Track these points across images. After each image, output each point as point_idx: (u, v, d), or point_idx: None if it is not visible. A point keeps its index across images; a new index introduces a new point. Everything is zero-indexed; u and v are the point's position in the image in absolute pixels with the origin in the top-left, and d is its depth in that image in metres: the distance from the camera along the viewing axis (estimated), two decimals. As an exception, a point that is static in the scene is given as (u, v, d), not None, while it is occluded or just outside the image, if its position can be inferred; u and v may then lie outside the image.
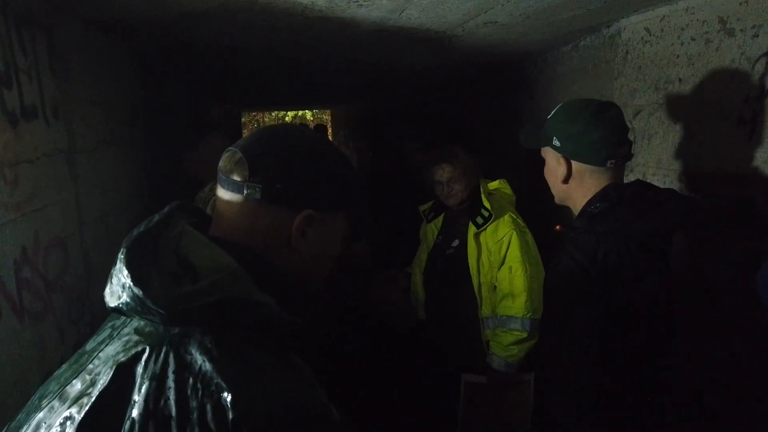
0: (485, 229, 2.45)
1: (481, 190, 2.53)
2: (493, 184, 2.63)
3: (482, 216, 2.47)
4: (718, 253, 1.19)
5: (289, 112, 14.39)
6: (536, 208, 2.46)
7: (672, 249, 1.28)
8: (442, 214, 2.74)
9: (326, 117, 15.15)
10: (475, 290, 2.52)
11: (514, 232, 2.41)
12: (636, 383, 1.25)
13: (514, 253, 2.40)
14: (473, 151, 2.72)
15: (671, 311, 1.27)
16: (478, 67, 3.74)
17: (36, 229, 1.57)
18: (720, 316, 1.25)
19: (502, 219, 2.45)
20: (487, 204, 2.46)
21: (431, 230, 2.77)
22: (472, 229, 2.49)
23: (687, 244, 1.21)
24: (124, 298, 0.71)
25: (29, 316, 1.48)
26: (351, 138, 11.25)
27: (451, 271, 2.61)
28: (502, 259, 2.43)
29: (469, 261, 2.51)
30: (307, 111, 14.89)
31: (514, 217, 2.48)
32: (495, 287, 2.48)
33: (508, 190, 2.64)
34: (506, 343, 2.38)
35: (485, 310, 2.51)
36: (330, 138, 12.96)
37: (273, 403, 0.67)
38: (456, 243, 2.63)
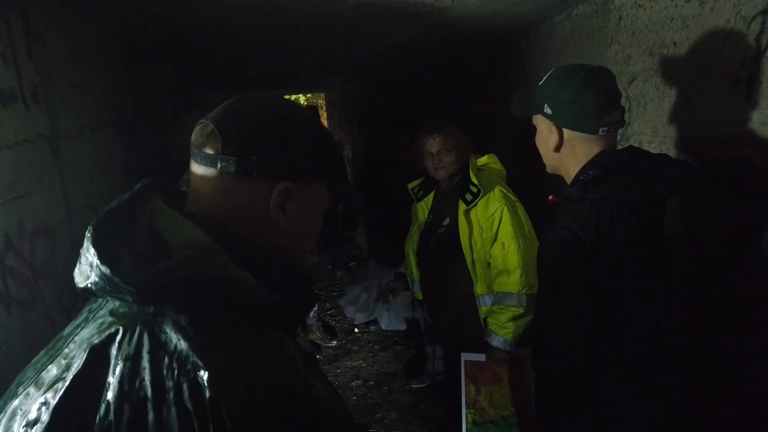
0: (475, 205, 2.42)
1: (470, 166, 2.50)
2: (482, 160, 2.60)
3: (471, 192, 2.43)
4: (714, 216, 1.16)
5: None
6: (531, 181, 2.43)
7: (666, 215, 1.25)
8: (432, 193, 2.71)
9: (321, 101, 15.07)
10: (469, 268, 2.50)
11: (505, 207, 2.38)
12: (632, 352, 1.23)
13: (506, 229, 2.37)
14: (467, 128, 2.68)
15: (668, 277, 1.24)
16: (470, 42, 3.67)
17: (20, 216, 1.54)
18: (718, 280, 1.23)
19: (492, 194, 2.42)
20: (474, 180, 2.43)
21: (422, 209, 2.75)
22: (462, 207, 2.45)
23: (681, 209, 1.18)
24: (93, 277, 0.69)
25: (16, 304, 1.46)
26: (346, 120, 11.18)
27: (444, 249, 2.59)
28: (494, 235, 2.40)
29: (461, 239, 2.48)
30: (300, 95, 14.77)
31: (505, 191, 2.44)
32: (489, 264, 2.45)
33: (497, 165, 2.61)
34: (503, 321, 2.36)
35: (480, 288, 2.49)
36: (325, 121, 12.89)
37: (251, 380, 0.65)
38: (447, 221, 2.61)
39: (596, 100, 1.33)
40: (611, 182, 1.28)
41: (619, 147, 1.46)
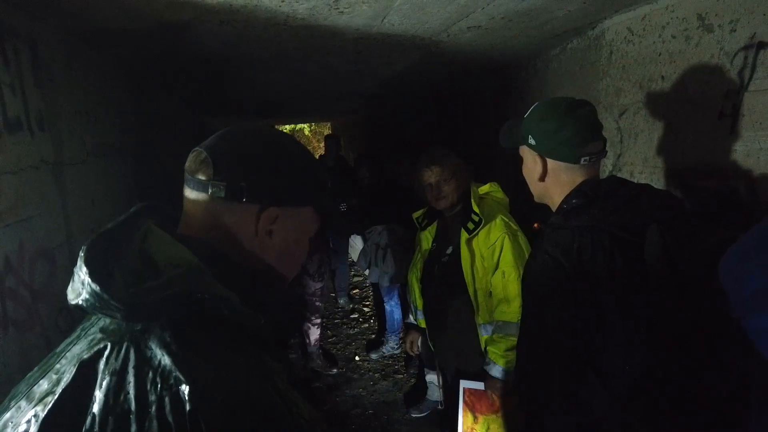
0: (477, 234, 2.43)
1: (472, 195, 2.52)
2: (484, 188, 2.61)
3: (473, 221, 2.44)
4: (694, 244, 1.19)
5: (286, 126, 14.46)
6: (534, 209, 2.46)
7: (646, 242, 1.28)
8: (436, 221, 2.73)
9: (327, 130, 15.25)
10: (471, 297, 2.49)
11: (506, 236, 2.38)
12: (614, 375, 1.24)
13: (507, 258, 2.37)
14: (468, 156, 2.71)
15: (648, 302, 1.26)
16: (470, 72, 3.76)
17: (20, 239, 1.58)
18: (695, 304, 1.25)
19: (493, 223, 2.42)
20: (476, 209, 2.44)
21: (426, 238, 2.76)
22: (464, 236, 2.46)
23: (661, 237, 1.21)
24: (84, 294, 0.72)
25: (13, 325, 1.49)
26: (351, 148, 11.29)
27: (447, 278, 2.60)
28: (495, 264, 2.40)
29: (463, 267, 2.48)
30: (305, 125, 14.92)
31: (506, 220, 2.45)
32: (491, 293, 2.46)
33: (499, 193, 2.62)
34: (503, 349, 2.35)
35: (482, 317, 2.48)
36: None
37: (231, 395, 0.67)
38: (450, 250, 2.61)
39: (577, 131, 1.37)
40: (593, 210, 1.31)
41: (602, 174, 1.49)
